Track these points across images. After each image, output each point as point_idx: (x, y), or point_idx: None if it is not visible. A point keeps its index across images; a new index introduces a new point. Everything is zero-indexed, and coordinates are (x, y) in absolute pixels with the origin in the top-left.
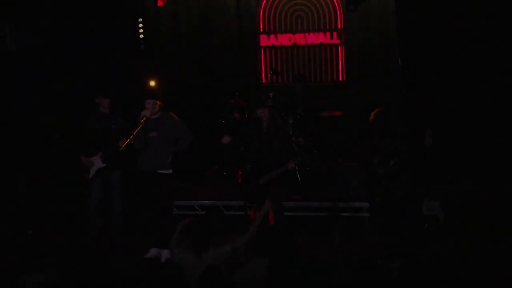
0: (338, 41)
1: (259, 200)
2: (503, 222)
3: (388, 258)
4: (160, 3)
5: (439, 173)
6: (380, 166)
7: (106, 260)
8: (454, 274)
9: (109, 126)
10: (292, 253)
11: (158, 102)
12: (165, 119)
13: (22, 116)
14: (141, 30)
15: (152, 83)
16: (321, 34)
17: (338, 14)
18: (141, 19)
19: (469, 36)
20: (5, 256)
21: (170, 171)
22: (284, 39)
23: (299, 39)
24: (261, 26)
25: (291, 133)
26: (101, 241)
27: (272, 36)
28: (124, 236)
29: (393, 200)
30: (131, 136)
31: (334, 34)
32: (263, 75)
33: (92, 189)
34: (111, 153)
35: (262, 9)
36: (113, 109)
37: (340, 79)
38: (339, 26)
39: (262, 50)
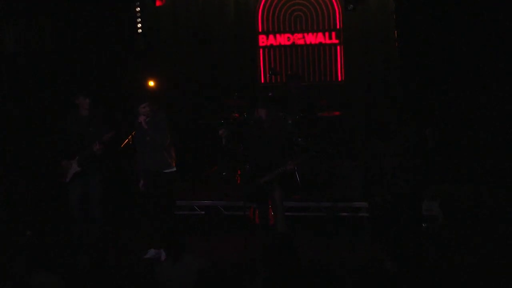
0: (337, 41)
1: (259, 200)
2: (503, 222)
3: (387, 258)
4: (158, 3)
5: (438, 173)
6: (380, 166)
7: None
8: (453, 274)
9: (87, 129)
10: (291, 254)
11: (149, 104)
12: (158, 119)
13: (22, 116)
14: (139, 31)
15: (151, 83)
16: (320, 34)
17: (337, 14)
18: (139, 20)
19: (468, 35)
20: (5, 256)
21: (174, 169)
22: (283, 39)
23: (298, 39)
24: (260, 26)
25: (290, 133)
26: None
27: (271, 36)
28: (108, 239)
29: (392, 200)
30: (130, 137)
31: (333, 34)
32: (262, 75)
33: (69, 194)
34: (87, 157)
35: (261, 9)
36: (93, 111)
37: (339, 79)
38: (338, 26)
39: (261, 50)
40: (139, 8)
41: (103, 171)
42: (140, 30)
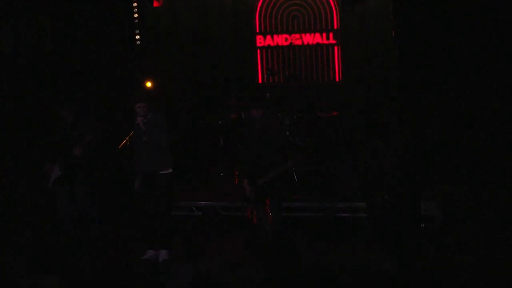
0: (334, 42)
1: (258, 200)
2: (500, 222)
3: (387, 258)
4: (156, 4)
5: (438, 173)
6: (380, 166)
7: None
8: (453, 274)
9: (70, 134)
10: (292, 254)
11: (147, 105)
12: (156, 120)
13: (22, 116)
14: (138, 31)
15: (149, 84)
16: (318, 34)
17: (335, 14)
18: (137, 21)
19: (468, 35)
20: (5, 256)
21: (170, 170)
22: (281, 40)
23: (296, 39)
24: (257, 27)
25: (287, 133)
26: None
27: (269, 36)
28: (108, 239)
29: (392, 200)
30: (127, 138)
31: (331, 34)
32: (260, 75)
33: (57, 197)
34: (68, 161)
35: (258, 9)
36: (79, 116)
37: (337, 79)
38: (335, 27)
39: (258, 51)
40: (137, 9)
41: (90, 174)
42: (139, 30)
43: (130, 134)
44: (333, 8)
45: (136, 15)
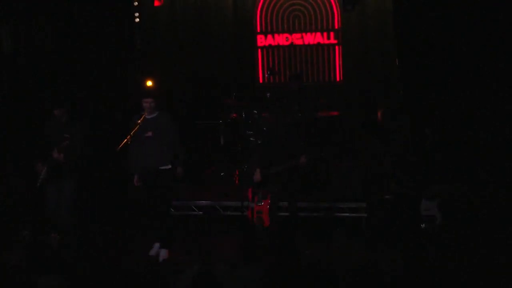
0: (335, 41)
1: (264, 188)
2: (500, 222)
3: (386, 258)
4: (157, 3)
5: (438, 173)
6: (378, 166)
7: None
8: (453, 274)
9: (61, 135)
10: (292, 254)
11: (155, 101)
12: (162, 119)
13: (22, 116)
14: (139, 31)
15: (149, 83)
16: (318, 34)
17: (335, 14)
18: (139, 20)
19: (466, 35)
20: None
21: (169, 166)
22: (281, 39)
23: (296, 39)
24: (258, 26)
25: (287, 134)
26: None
27: (269, 36)
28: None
29: (392, 200)
30: (128, 136)
31: (331, 34)
32: (260, 75)
33: (47, 199)
34: (52, 165)
35: (259, 9)
36: (72, 117)
37: (338, 79)
38: (336, 26)
39: (259, 50)
40: (137, 9)
41: (77, 178)
42: (139, 30)
43: (131, 133)
44: (334, 8)
45: (136, 15)
